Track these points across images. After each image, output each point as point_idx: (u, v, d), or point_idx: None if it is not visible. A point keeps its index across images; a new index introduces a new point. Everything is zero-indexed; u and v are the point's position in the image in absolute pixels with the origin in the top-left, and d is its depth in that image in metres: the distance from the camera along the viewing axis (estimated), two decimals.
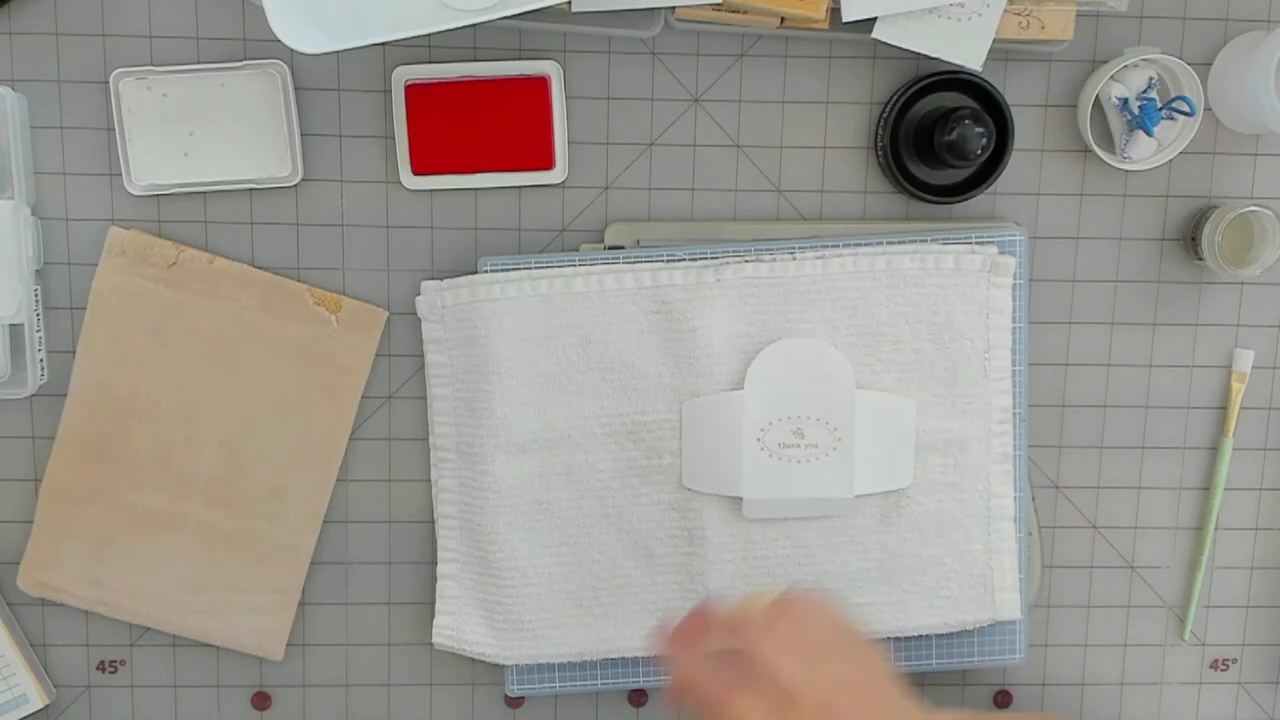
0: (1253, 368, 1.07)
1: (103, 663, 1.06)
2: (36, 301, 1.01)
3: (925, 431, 1.01)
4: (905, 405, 1.00)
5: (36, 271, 1.01)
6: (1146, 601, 1.09)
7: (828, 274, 0.99)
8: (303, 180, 1.02)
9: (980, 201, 1.04)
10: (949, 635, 1.04)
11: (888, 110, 1.01)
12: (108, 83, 0.99)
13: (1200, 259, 1.04)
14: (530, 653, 1.02)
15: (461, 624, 1.03)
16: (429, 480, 1.05)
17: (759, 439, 0.99)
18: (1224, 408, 1.07)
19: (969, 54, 0.98)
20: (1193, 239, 1.04)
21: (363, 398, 1.04)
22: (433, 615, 1.04)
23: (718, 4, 0.97)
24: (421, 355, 1.04)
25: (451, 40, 1.01)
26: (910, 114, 1.02)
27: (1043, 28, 0.99)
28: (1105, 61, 1.02)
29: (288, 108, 0.99)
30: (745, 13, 0.98)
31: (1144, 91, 1.01)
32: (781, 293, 0.99)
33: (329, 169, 1.02)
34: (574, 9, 0.97)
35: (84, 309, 1.01)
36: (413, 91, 1.00)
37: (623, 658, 1.03)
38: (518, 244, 1.03)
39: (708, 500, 1.01)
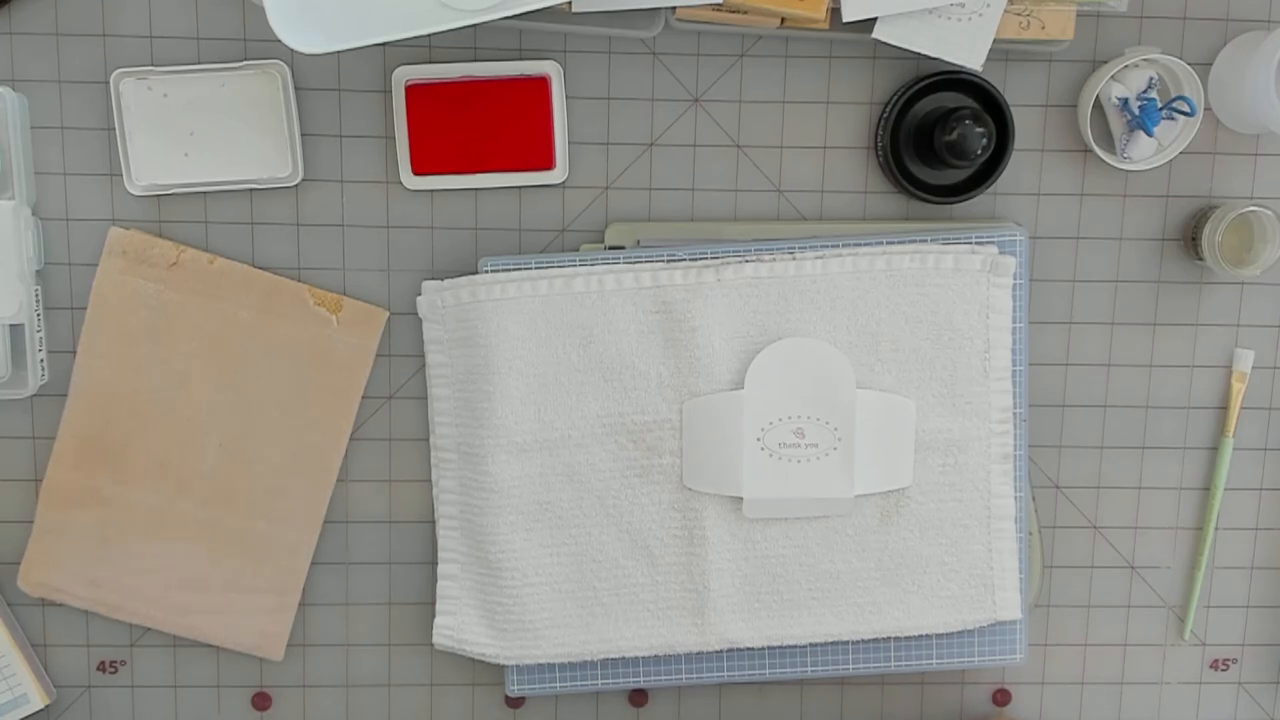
0: (1253, 368, 1.07)
1: (103, 663, 1.06)
2: (37, 301, 1.01)
3: (925, 431, 1.01)
4: (905, 405, 1.00)
5: (37, 271, 1.01)
6: (1146, 601, 1.09)
7: (828, 274, 0.99)
8: (303, 180, 1.01)
9: (980, 201, 1.04)
10: (949, 635, 1.04)
11: (888, 110, 1.01)
12: (108, 83, 0.99)
13: (1200, 259, 1.04)
14: (531, 653, 1.02)
15: (462, 624, 1.03)
16: (429, 480, 1.05)
17: (759, 439, 0.99)
18: (1224, 408, 1.07)
19: (969, 54, 0.98)
20: (1193, 239, 1.04)
21: (363, 398, 1.04)
22: (433, 615, 1.04)
23: (718, 4, 0.97)
24: (422, 355, 1.04)
25: (451, 40, 1.01)
26: (910, 114, 1.02)
27: (1043, 28, 0.99)
28: (1105, 61, 1.02)
29: (288, 108, 0.99)
30: (745, 13, 0.98)
31: (1144, 91, 1.01)
32: (781, 293, 0.99)
33: (329, 169, 1.02)
34: (574, 9, 0.97)
35: (84, 309, 1.01)
36: (413, 91, 1.00)
37: (623, 658, 1.03)
38: (518, 244, 1.03)
39: (708, 500, 1.01)
